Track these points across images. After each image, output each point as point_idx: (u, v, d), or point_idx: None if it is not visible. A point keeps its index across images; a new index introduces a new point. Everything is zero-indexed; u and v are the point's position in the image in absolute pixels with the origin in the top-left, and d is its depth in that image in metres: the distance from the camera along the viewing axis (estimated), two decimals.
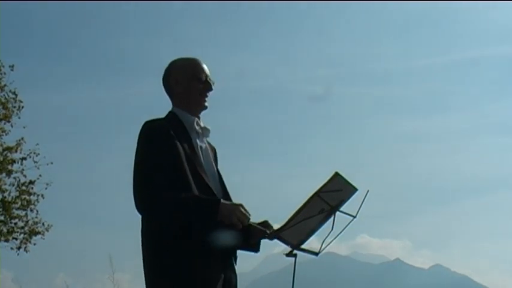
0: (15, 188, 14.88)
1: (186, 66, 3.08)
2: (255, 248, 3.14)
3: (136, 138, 2.91)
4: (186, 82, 3.06)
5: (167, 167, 2.81)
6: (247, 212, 2.89)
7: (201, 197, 2.85)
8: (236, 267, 3.04)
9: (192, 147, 2.97)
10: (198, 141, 3.04)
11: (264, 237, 3.06)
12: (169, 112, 3.07)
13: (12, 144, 14.89)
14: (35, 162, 15.05)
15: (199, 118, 3.09)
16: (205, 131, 3.10)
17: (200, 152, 3.02)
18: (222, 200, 2.84)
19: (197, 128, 3.05)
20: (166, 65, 3.15)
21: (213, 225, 2.82)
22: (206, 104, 3.09)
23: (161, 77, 3.13)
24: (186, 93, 3.05)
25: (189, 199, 2.81)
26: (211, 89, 3.08)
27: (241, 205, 2.88)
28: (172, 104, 3.09)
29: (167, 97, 3.13)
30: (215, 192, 2.96)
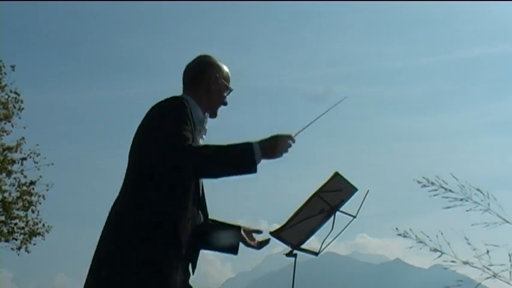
0: (16, 189, 14.88)
1: (227, 74, 3.18)
2: (235, 251, 3.14)
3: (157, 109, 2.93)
4: (222, 88, 3.14)
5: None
6: (290, 139, 2.91)
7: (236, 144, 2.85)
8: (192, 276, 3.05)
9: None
10: (199, 139, 3.05)
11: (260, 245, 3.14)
12: (182, 98, 3.03)
13: (12, 144, 14.89)
14: (35, 162, 15.06)
15: (207, 117, 3.13)
16: (204, 132, 3.12)
17: None
18: (254, 142, 2.84)
19: (204, 126, 3.09)
20: (195, 55, 3.19)
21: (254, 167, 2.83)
22: (218, 114, 3.17)
23: (194, 62, 3.16)
24: (214, 95, 3.12)
25: (225, 147, 2.83)
26: (226, 105, 3.18)
27: (279, 136, 2.89)
28: (189, 91, 3.10)
29: (183, 79, 3.13)
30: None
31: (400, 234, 3.30)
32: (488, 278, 3.18)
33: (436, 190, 3.32)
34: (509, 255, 3.13)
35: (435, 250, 3.26)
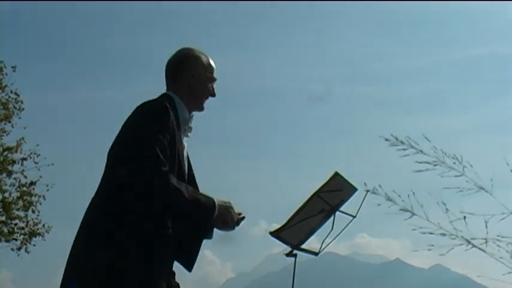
0: (16, 189, 14.88)
1: (207, 65, 3.09)
2: (210, 235, 3.04)
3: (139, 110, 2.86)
4: (203, 80, 3.06)
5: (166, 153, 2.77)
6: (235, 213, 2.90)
7: (200, 197, 2.82)
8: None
9: (180, 144, 2.93)
10: (183, 138, 2.99)
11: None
12: (166, 95, 3.00)
13: (12, 144, 14.89)
14: (36, 163, 15.05)
15: (192, 116, 3.06)
16: (189, 130, 3.06)
17: (183, 151, 2.97)
18: (216, 200, 2.82)
19: (189, 125, 3.03)
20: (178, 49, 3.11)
21: (206, 221, 2.84)
22: (205, 106, 3.09)
23: (172, 57, 3.09)
24: (196, 89, 3.04)
25: (193, 192, 2.79)
26: (214, 95, 3.10)
27: (231, 207, 2.88)
28: (172, 88, 3.03)
29: (165, 76, 3.07)
30: None
31: (368, 190, 2.99)
32: (461, 244, 2.88)
33: (405, 150, 2.94)
34: (486, 222, 2.86)
35: (405, 210, 2.90)
